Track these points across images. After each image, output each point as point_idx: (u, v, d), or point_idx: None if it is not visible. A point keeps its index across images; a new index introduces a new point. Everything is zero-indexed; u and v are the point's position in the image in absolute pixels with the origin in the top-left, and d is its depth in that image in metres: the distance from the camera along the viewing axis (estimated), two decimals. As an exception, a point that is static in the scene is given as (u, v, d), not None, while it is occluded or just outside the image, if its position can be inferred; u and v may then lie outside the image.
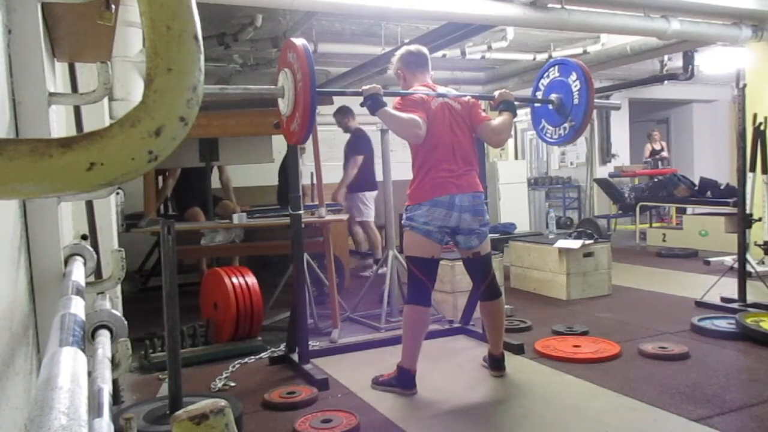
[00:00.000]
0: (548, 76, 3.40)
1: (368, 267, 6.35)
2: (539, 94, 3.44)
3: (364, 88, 2.92)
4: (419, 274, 3.02)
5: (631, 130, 11.19)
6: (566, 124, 3.27)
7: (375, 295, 4.84)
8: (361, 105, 2.93)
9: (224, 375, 3.37)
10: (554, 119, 3.35)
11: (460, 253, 3.23)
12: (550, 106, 3.33)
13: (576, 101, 3.21)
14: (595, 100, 3.28)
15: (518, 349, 3.57)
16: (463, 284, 4.28)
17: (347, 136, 6.57)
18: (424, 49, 3.31)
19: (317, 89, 2.63)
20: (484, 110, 3.31)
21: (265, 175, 6.94)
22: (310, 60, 2.58)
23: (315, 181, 4.63)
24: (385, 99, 2.92)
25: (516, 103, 3.26)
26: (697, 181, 8.12)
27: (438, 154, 3.00)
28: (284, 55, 2.78)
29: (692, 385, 2.98)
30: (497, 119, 3.17)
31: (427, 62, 3.27)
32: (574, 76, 3.23)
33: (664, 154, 10.63)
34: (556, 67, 3.37)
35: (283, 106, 2.80)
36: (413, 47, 3.31)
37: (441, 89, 3.18)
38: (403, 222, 3.09)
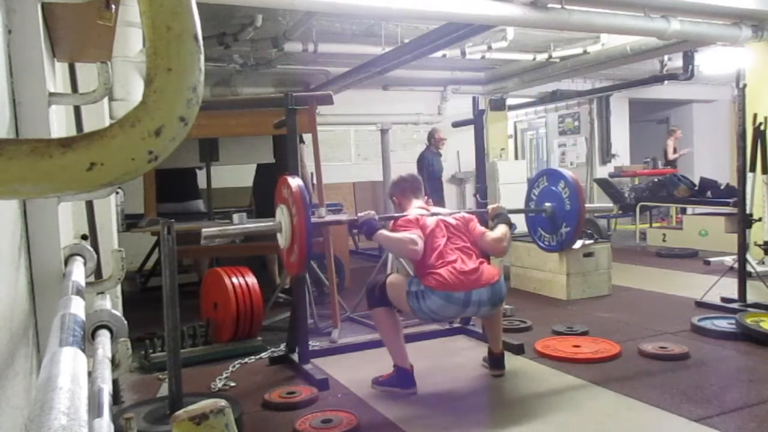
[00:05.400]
0: (538, 186, 3.63)
1: None
2: (532, 204, 3.66)
3: (359, 215, 3.07)
4: (380, 296, 3.07)
5: (631, 130, 11.19)
6: (562, 230, 3.46)
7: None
8: (358, 231, 3.04)
9: (224, 375, 3.37)
10: (549, 226, 3.56)
11: None
12: (544, 215, 3.54)
13: (568, 207, 3.41)
14: (587, 205, 3.55)
15: (518, 349, 3.57)
16: (463, 284, 4.27)
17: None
18: (416, 175, 3.54)
19: (312, 220, 2.86)
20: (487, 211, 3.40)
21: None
22: (304, 194, 2.79)
23: (315, 181, 4.63)
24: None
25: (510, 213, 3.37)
26: (697, 181, 8.13)
27: (443, 257, 2.97)
28: (279, 193, 2.98)
29: (692, 385, 2.97)
30: (495, 231, 3.20)
31: (420, 186, 3.43)
32: (562, 184, 3.45)
33: (684, 151, 10.44)
34: (545, 177, 3.61)
35: (282, 240, 2.96)
36: (405, 174, 3.50)
37: (433, 209, 3.30)
38: (410, 285, 2.97)
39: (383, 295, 3.06)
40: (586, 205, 3.47)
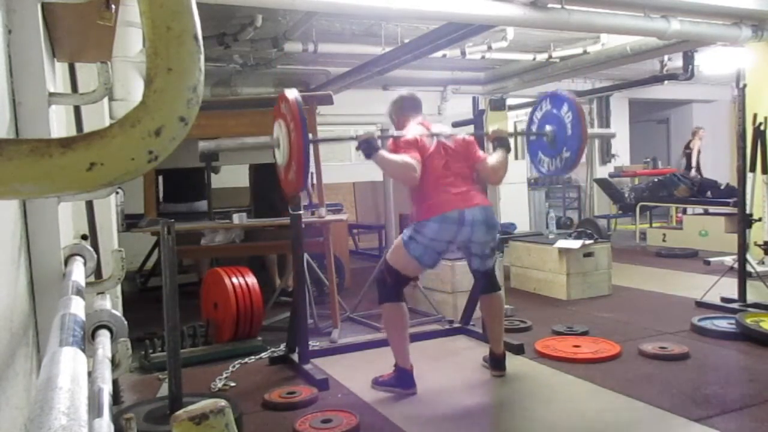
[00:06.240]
0: (541, 109, 3.49)
1: None
2: (534, 128, 3.52)
3: (359, 134, 2.99)
4: (391, 281, 3.05)
5: (631, 130, 11.19)
6: (563, 155, 3.35)
7: (375, 295, 4.83)
8: (357, 149, 2.98)
9: (224, 375, 3.37)
10: (550, 151, 3.43)
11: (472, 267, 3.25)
12: (545, 139, 3.42)
13: (569, 132, 3.29)
14: (590, 130, 3.38)
15: (518, 349, 3.57)
16: (463, 284, 4.28)
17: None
18: (417, 95, 3.43)
19: (310, 138, 2.73)
20: (487, 133, 3.34)
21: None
22: (300, 109, 2.68)
23: (315, 181, 4.63)
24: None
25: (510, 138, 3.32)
26: (697, 181, 8.13)
27: (438, 181, 2.99)
28: (277, 108, 2.88)
29: (692, 385, 2.97)
30: (493, 156, 3.19)
31: (420, 106, 3.35)
32: (565, 108, 3.32)
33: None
34: (548, 99, 3.46)
35: (279, 156, 2.89)
36: (406, 93, 3.44)
37: (435, 128, 3.20)
38: (404, 236, 3.03)
39: (394, 280, 3.03)
40: (589, 131, 3.36)
